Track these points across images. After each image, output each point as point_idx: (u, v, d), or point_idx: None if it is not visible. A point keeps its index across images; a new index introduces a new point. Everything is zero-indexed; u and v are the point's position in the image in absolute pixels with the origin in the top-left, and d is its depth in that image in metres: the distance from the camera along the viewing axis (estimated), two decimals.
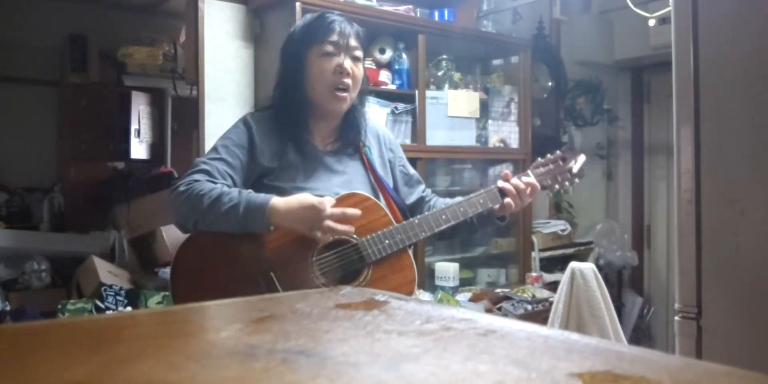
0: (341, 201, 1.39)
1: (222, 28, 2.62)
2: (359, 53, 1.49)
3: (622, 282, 4.16)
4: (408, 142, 2.94)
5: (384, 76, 2.88)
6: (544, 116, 3.83)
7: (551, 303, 2.65)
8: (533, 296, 3.04)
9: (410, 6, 3.01)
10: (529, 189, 1.48)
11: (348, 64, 1.45)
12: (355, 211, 1.34)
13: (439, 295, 2.83)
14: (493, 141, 3.32)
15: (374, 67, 2.87)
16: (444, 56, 3.17)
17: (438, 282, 3.03)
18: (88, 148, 3.31)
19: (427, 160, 2.99)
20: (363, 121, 1.55)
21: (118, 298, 2.40)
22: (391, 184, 1.56)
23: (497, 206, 1.48)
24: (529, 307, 2.97)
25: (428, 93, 2.98)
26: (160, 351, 0.41)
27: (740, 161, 1.26)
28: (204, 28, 2.56)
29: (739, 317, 1.26)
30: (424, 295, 2.82)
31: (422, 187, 1.64)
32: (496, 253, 3.46)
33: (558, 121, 3.99)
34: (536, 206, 3.74)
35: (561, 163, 1.56)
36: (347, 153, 1.52)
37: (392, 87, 2.90)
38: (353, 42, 1.47)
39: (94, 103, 3.32)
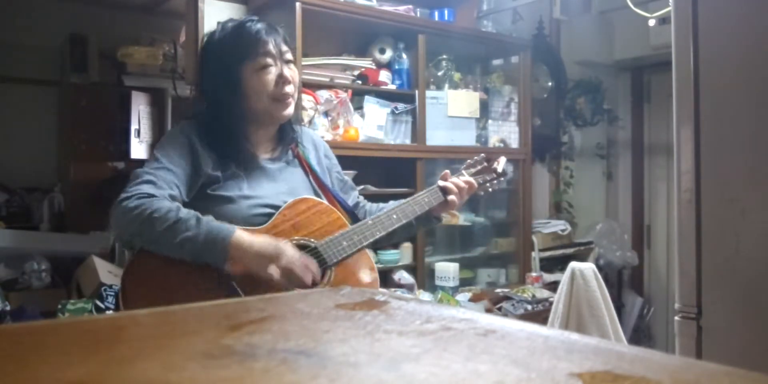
0: (293, 206, 1.38)
1: None
2: (290, 56, 1.44)
3: (622, 282, 4.16)
4: (408, 142, 2.94)
5: (384, 76, 2.88)
6: (544, 116, 3.83)
7: (551, 303, 2.65)
8: (533, 296, 3.04)
9: (410, 6, 3.01)
10: (468, 187, 1.58)
11: (286, 71, 1.41)
12: (313, 268, 1.30)
13: (439, 295, 2.83)
14: (493, 141, 3.32)
15: (374, 67, 2.87)
16: (444, 56, 3.17)
17: (438, 282, 3.03)
18: (88, 148, 3.31)
19: (427, 160, 2.99)
20: (298, 123, 1.55)
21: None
22: (332, 187, 1.56)
23: (437, 204, 1.56)
24: (529, 307, 2.97)
25: (428, 93, 2.98)
26: (160, 351, 0.41)
27: (740, 161, 1.26)
28: (204, 28, 2.55)
29: (739, 317, 1.26)
30: (424, 295, 2.82)
31: (356, 193, 1.66)
32: (496, 253, 3.46)
33: (558, 121, 4.00)
34: (536, 206, 3.75)
35: (486, 164, 1.68)
36: (287, 160, 1.50)
37: (392, 87, 2.90)
38: (284, 47, 1.42)
39: (94, 103, 3.32)
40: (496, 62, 3.53)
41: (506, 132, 3.38)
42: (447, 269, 3.03)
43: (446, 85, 3.15)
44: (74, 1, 3.43)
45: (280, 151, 1.50)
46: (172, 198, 1.28)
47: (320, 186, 1.51)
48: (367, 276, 1.44)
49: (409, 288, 2.82)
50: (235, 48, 1.39)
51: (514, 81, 3.43)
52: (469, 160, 1.68)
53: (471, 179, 1.60)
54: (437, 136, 3.03)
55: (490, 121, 3.33)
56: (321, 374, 0.35)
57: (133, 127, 3.39)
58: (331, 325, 0.48)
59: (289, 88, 1.41)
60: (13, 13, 3.27)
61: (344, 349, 0.41)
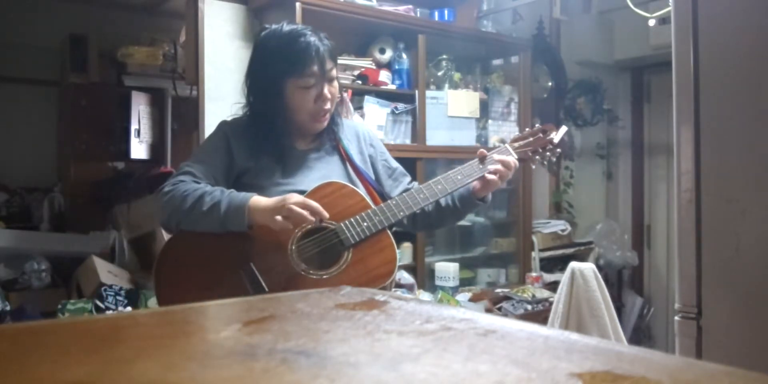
0: (318, 190, 1.43)
1: (222, 28, 2.62)
2: (334, 73, 1.48)
3: (622, 282, 4.16)
4: (408, 142, 2.94)
5: (384, 76, 2.88)
6: (544, 116, 3.83)
7: (551, 303, 2.65)
8: (533, 296, 3.04)
9: (410, 6, 3.01)
10: (504, 166, 1.52)
11: (326, 90, 1.45)
12: (316, 206, 1.34)
13: (439, 295, 2.83)
14: (493, 141, 3.32)
15: (374, 67, 2.87)
16: (444, 56, 3.17)
17: (438, 282, 3.03)
18: (88, 148, 3.31)
19: (427, 160, 2.99)
20: (339, 123, 1.58)
21: (118, 298, 2.41)
22: (372, 176, 1.58)
23: (476, 182, 1.51)
24: (529, 307, 2.97)
25: (428, 93, 2.98)
26: (160, 351, 0.41)
27: (740, 161, 1.26)
28: (204, 28, 2.56)
29: (739, 317, 1.26)
30: (424, 295, 2.82)
31: (408, 179, 1.65)
32: (496, 253, 3.46)
33: (558, 121, 3.99)
34: (536, 206, 3.74)
35: (541, 135, 1.60)
36: (326, 150, 1.55)
37: (392, 87, 2.90)
38: (329, 64, 1.45)
39: (94, 103, 3.32)
40: (496, 62, 3.53)
41: (506, 132, 3.38)
42: (447, 269, 3.03)
43: (446, 85, 3.15)
44: (74, 1, 3.43)
45: (319, 142, 1.55)
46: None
47: (357, 174, 1.54)
48: (384, 256, 1.44)
49: (409, 288, 2.82)
50: (283, 62, 1.43)
51: (514, 81, 3.43)
52: (519, 133, 1.63)
53: (507, 158, 1.53)
54: (437, 136, 3.03)
55: (490, 121, 3.33)
56: (321, 374, 0.35)
57: (133, 127, 3.39)
58: (331, 325, 0.48)
59: (327, 105, 1.47)
60: (13, 13, 3.27)
61: (344, 349, 0.41)
